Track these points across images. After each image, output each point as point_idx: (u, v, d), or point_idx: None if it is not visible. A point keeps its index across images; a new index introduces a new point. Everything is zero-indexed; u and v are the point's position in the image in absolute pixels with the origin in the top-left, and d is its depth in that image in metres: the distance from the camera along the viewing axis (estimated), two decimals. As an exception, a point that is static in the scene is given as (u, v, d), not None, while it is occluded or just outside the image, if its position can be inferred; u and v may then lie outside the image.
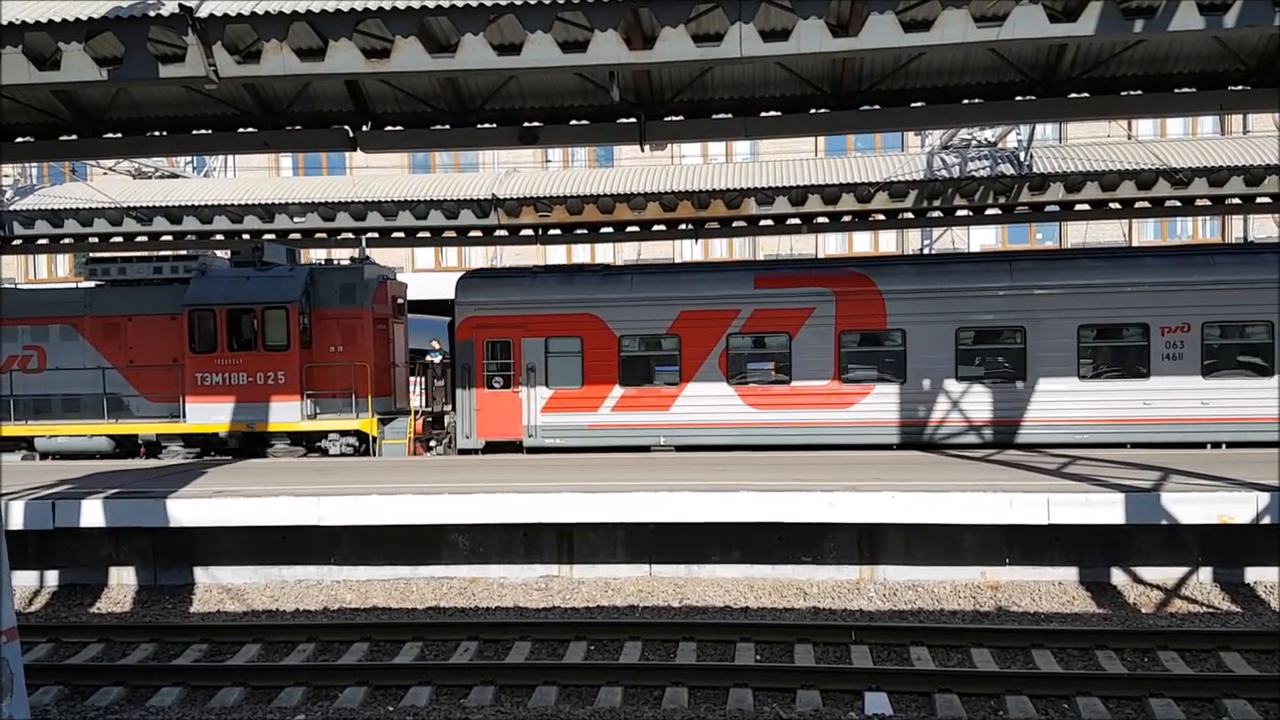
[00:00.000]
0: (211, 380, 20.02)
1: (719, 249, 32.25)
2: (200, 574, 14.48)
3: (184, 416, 20.20)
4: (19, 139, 14.19)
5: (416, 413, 21.13)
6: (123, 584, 14.55)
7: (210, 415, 20.05)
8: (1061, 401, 18.52)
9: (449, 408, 20.95)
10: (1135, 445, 18.15)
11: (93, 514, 13.90)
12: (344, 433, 20.23)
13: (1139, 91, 13.22)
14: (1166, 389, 18.23)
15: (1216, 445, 18.16)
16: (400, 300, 22.01)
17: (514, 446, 19.98)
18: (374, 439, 20.03)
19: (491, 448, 20.00)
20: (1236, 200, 20.47)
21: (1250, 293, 18.01)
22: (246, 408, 19.96)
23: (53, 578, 14.66)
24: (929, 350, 18.83)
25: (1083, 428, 18.47)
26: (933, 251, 29.58)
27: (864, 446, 18.86)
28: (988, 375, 18.88)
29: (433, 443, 20.93)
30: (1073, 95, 13.21)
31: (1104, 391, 18.46)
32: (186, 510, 13.87)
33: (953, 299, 18.79)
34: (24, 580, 14.42)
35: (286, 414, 19.97)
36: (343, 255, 30.93)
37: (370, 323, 20.57)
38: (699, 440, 19.46)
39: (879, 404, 19.03)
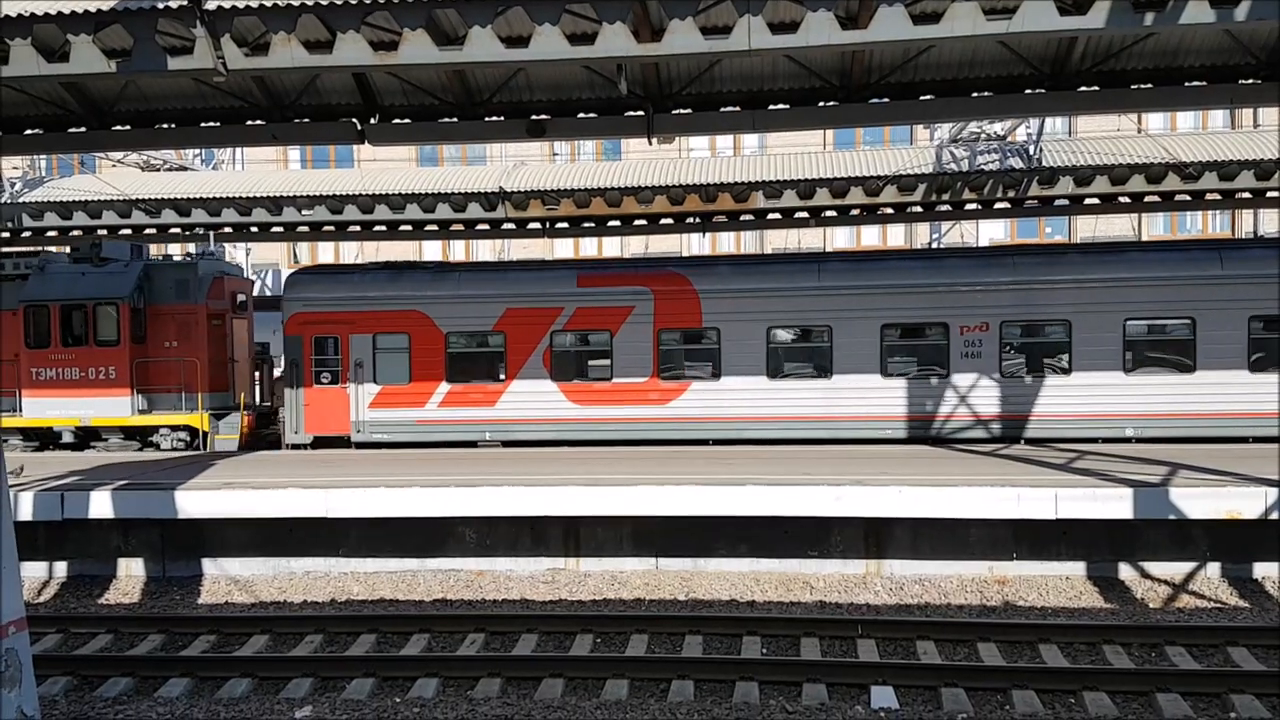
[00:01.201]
0: (46, 375, 20.40)
1: (726, 243, 32.22)
2: (209, 565, 14.54)
3: (20, 410, 20.55)
4: (28, 131, 14.21)
5: (248, 408, 21.32)
6: (131, 575, 14.61)
7: (45, 410, 20.41)
8: (867, 398, 19.04)
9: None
10: (936, 440, 18.81)
11: (101, 505, 13.96)
12: (174, 427, 20.56)
13: (1149, 85, 13.15)
14: (966, 386, 18.85)
15: (1017, 440, 18.72)
16: (241, 296, 22.31)
17: (342, 442, 20.30)
18: (204, 434, 20.32)
19: (320, 443, 20.31)
20: (1246, 194, 20.38)
21: (1048, 293, 18.60)
22: (80, 402, 20.28)
23: (61, 569, 14.73)
24: (742, 348, 19.34)
25: (886, 423, 19.04)
26: (941, 245, 29.51)
27: (680, 442, 19.29)
28: (799, 373, 19.39)
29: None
30: (1083, 89, 13.14)
31: (902, 388, 19.03)
32: (195, 502, 13.92)
33: (764, 298, 19.30)
34: (33, 571, 14.49)
35: (118, 409, 20.25)
36: (349, 250, 30.99)
37: (204, 318, 20.91)
38: (524, 436, 19.87)
39: (696, 400, 19.49)
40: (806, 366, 19.36)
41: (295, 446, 20.26)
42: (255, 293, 23.96)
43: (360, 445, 20.10)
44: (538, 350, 19.74)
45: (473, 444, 19.88)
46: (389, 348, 20.05)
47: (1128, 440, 18.32)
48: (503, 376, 19.88)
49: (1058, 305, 18.61)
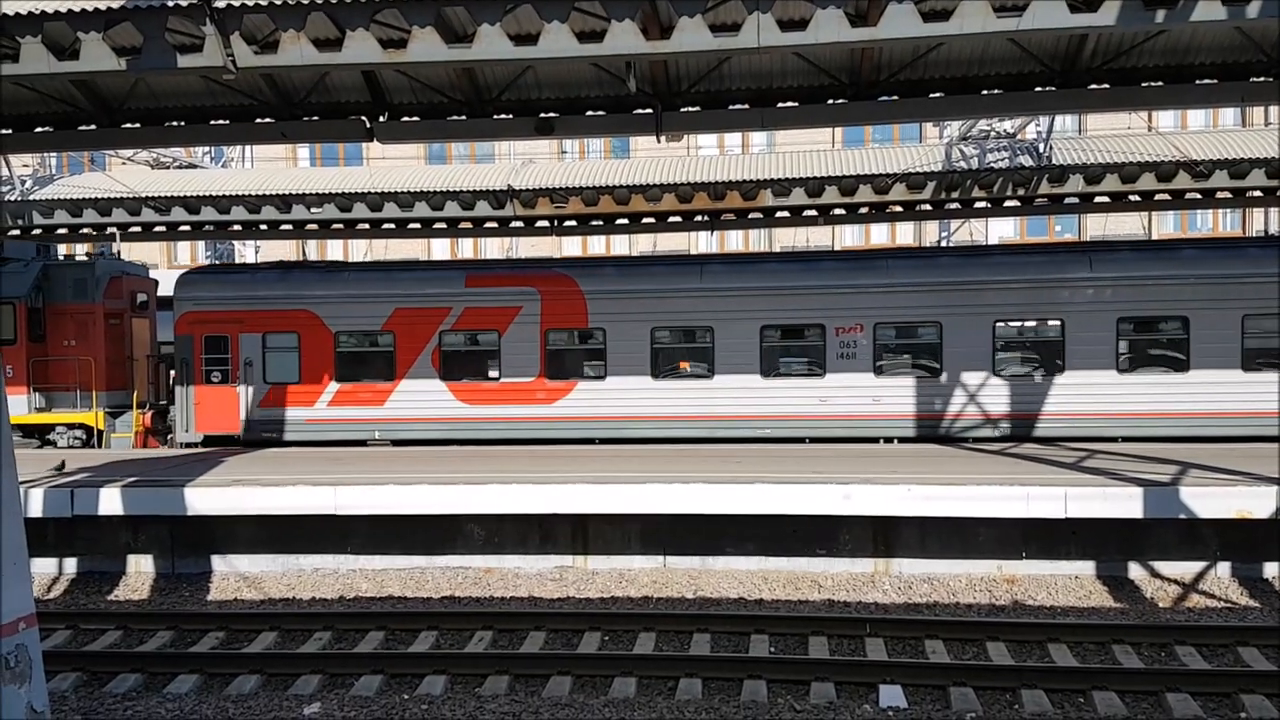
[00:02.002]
0: None
1: (734, 241, 32.19)
2: (218, 562, 14.57)
3: None
4: (38, 129, 14.26)
5: (145, 406, 21.43)
6: (141, 572, 14.65)
7: None
8: (746, 398, 19.20)
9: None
10: (814, 440, 18.92)
11: (111, 502, 14.00)
12: (70, 425, 20.70)
13: (1160, 83, 13.10)
14: (841, 386, 18.95)
15: (889, 440, 18.88)
16: (142, 295, 22.40)
17: (232, 440, 20.47)
18: (100, 432, 20.49)
19: (210, 441, 20.44)
20: (1258, 193, 20.30)
21: (920, 295, 18.76)
22: None
23: (71, 565, 14.78)
24: (627, 349, 19.50)
25: (765, 423, 19.19)
26: (951, 244, 29.45)
27: (566, 441, 19.44)
28: (683, 373, 19.54)
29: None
30: (1093, 86, 13.10)
31: (785, 389, 19.17)
32: (204, 499, 13.96)
33: (648, 299, 19.45)
34: (43, 567, 14.54)
35: (15, 407, 20.25)
36: (359, 245, 31.01)
37: (102, 317, 21.00)
38: (413, 435, 20.01)
39: (582, 400, 19.67)
40: (690, 367, 19.58)
41: (188, 445, 20.45)
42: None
43: (248, 444, 20.32)
44: (426, 350, 19.90)
45: (362, 443, 20.10)
46: (278, 347, 20.25)
47: (995, 439, 18.61)
48: (392, 376, 20.07)
49: (929, 307, 18.81)
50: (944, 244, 29.60)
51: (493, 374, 19.84)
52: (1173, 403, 18.23)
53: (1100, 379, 18.39)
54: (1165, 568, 13.20)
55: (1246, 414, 18.09)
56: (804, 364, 19.22)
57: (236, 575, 14.35)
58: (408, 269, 21.33)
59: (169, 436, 21.33)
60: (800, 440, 18.95)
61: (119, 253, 22.99)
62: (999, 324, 18.66)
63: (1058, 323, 18.53)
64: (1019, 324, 18.80)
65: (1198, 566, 13.13)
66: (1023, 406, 18.62)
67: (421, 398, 19.95)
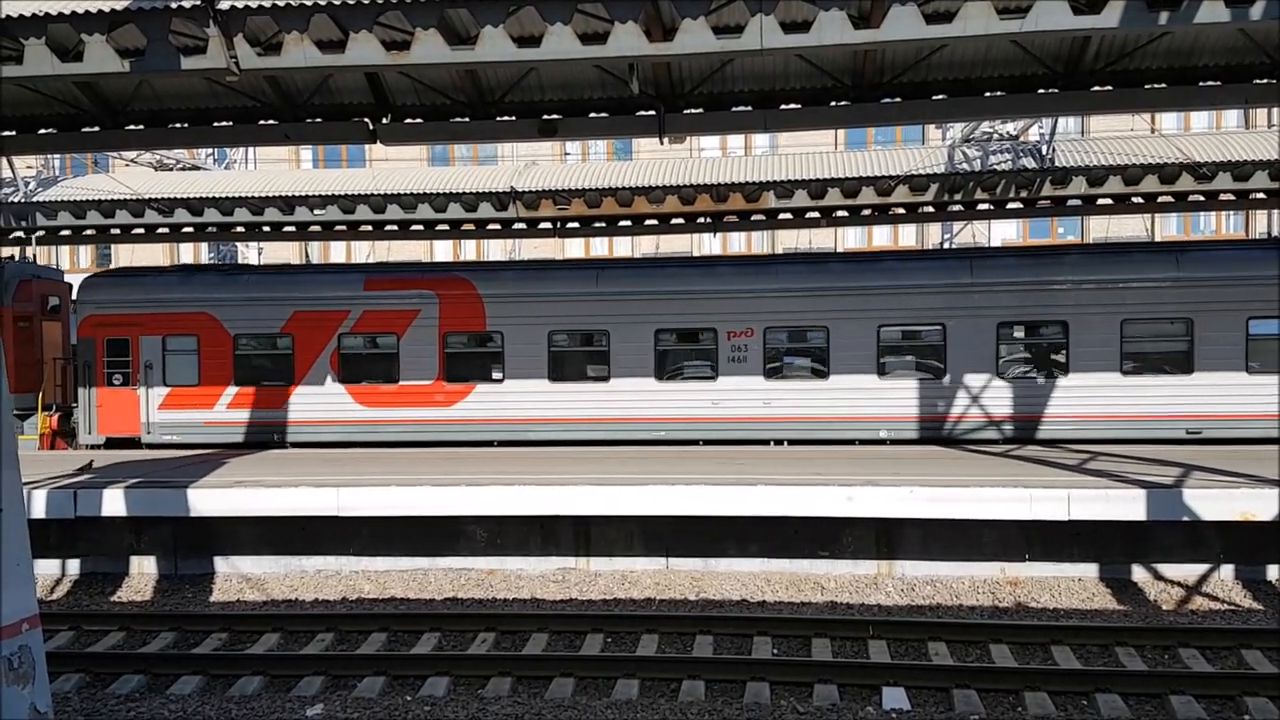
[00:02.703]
0: None
1: (737, 243, 32.19)
2: (220, 563, 14.57)
3: None
4: (42, 130, 14.28)
5: (52, 408, 21.56)
6: (143, 573, 14.65)
7: None
8: (641, 400, 19.39)
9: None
10: (707, 442, 19.04)
11: (114, 503, 14.01)
12: None
13: (1163, 85, 13.09)
14: (733, 389, 19.18)
15: (779, 442, 19.04)
16: (54, 299, 22.49)
17: (134, 443, 20.58)
18: None
19: (113, 444, 20.53)
20: (1261, 195, 20.27)
21: (809, 299, 19.01)
22: None
23: (74, 566, 14.79)
24: (525, 351, 19.72)
25: (660, 425, 19.41)
26: (953, 245, 29.43)
27: (464, 444, 19.61)
28: (580, 376, 19.74)
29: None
30: (1096, 88, 13.10)
31: (679, 392, 19.38)
32: (207, 500, 13.96)
33: (545, 303, 19.68)
34: (46, 569, 14.54)
35: None
36: (361, 247, 31.03)
37: (10, 320, 21.09)
38: (312, 437, 20.18)
39: (480, 403, 19.81)
40: (587, 370, 19.75)
41: (92, 447, 20.56)
42: None
43: (150, 446, 20.44)
44: (325, 352, 20.06)
45: (262, 446, 20.21)
46: (178, 349, 20.42)
47: (881, 442, 18.82)
48: (291, 379, 20.21)
49: (817, 311, 19.03)
50: (947, 245, 29.60)
51: (392, 377, 20.03)
52: (1054, 405, 18.53)
53: (982, 382, 18.68)
54: (1168, 570, 13.18)
55: (1127, 417, 18.34)
56: (697, 367, 19.43)
57: (239, 576, 14.35)
58: (307, 272, 21.70)
59: (75, 439, 21.48)
60: (694, 442, 19.17)
61: (34, 256, 23.11)
62: (884, 328, 18.93)
63: (939, 327, 18.78)
64: (903, 328, 19.04)
65: (1201, 569, 13.11)
66: (910, 409, 18.89)
67: (320, 400, 20.14)
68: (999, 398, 18.69)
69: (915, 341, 19.04)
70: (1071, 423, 18.50)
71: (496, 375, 19.80)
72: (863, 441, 18.86)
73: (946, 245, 29.92)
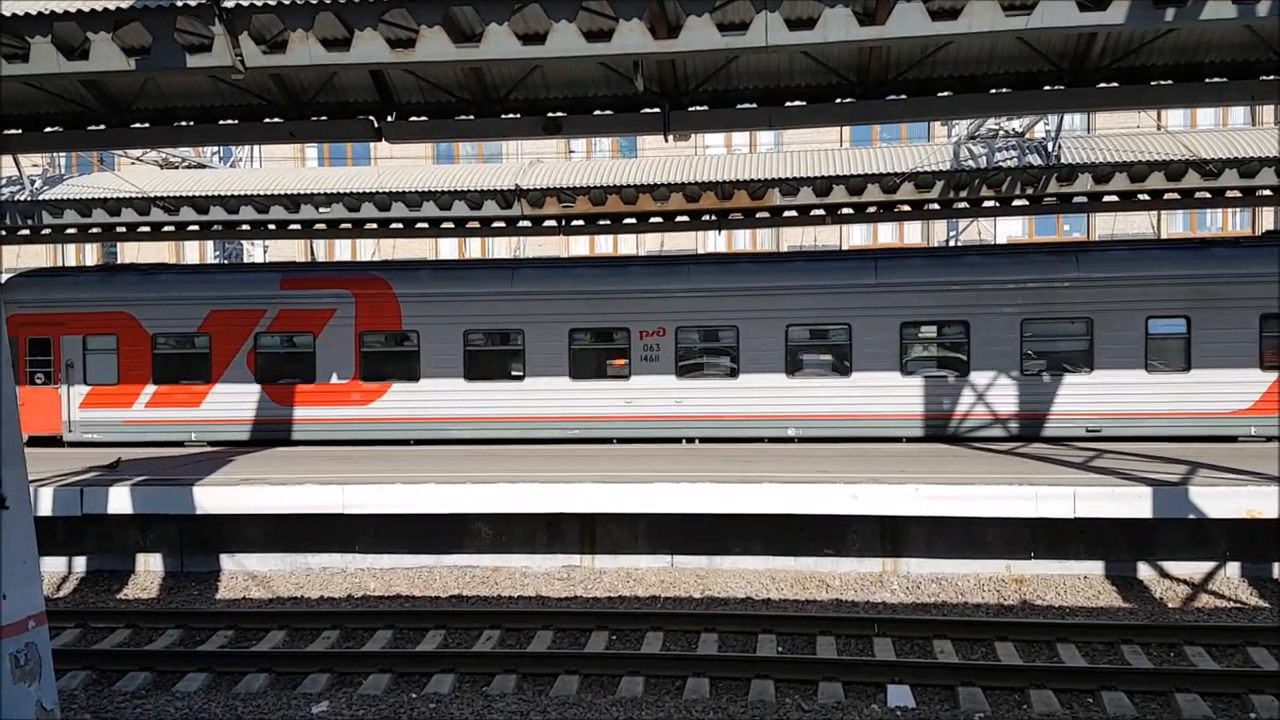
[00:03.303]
0: None
1: (742, 240, 32.16)
2: (226, 561, 14.61)
3: None
4: (48, 128, 14.30)
5: None
6: (150, 570, 14.70)
7: None
8: (556, 400, 19.61)
9: None
10: (620, 440, 19.26)
11: (120, 501, 14.03)
12: None
13: (1169, 81, 13.04)
14: (645, 389, 19.34)
15: (690, 441, 19.24)
16: None
17: (56, 441, 20.77)
18: None
19: (35, 442, 20.64)
20: (1267, 192, 20.19)
21: (719, 299, 19.23)
22: None
23: (80, 564, 14.82)
24: (441, 351, 19.84)
25: (574, 424, 19.60)
26: (958, 243, 29.37)
27: (382, 442, 19.73)
28: (495, 375, 19.87)
29: None
30: (1102, 85, 13.05)
31: (593, 390, 19.57)
32: (213, 498, 13.99)
33: (461, 303, 19.86)
34: (52, 566, 14.59)
35: None
36: (366, 245, 31.06)
37: None
38: (229, 436, 20.32)
39: (397, 402, 19.94)
40: (502, 369, 19.85)
41: None
42: None
43: (71, 445, 20.61)
44: (242, 351, 20.21)
45: (179, 444, 20.33)
46: (98, 349, 20.61)
47: (790, 440, 18.98)
48: (208, 378, 20.34)
49: (727, 311, 19.22)
50: (952, 243, 29.54)
51: (308, 376, 20.13)
52: (959, 404, 18.75)
53: (886, 381, 18.90)
54: (1174, 568, 13.17)
55: (1027, 416, 18.58)
56: (611, 366, 19.53)
57: (245, 574, 14.39)
58: (225, 271, 21.78)
59: None
60: (608, 441, 19.31)
61: None
62: (792, 328, 19.11)
63: (846, 327, 19.01)
64: (811, 328, 19.23)
65: (1207, 566, 13.09)
66: (818, 408, 19.05)
67: (237, 399, 20.27)
68: (903, 396, 18.92)
69: (823, 341, 19.29)
70: (975, 420, 18.72)
71: (413, 374, 19.93)
72: (772, 440, 19.08)
73: (952, 242, 29.87)
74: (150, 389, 20.51)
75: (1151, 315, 18.36)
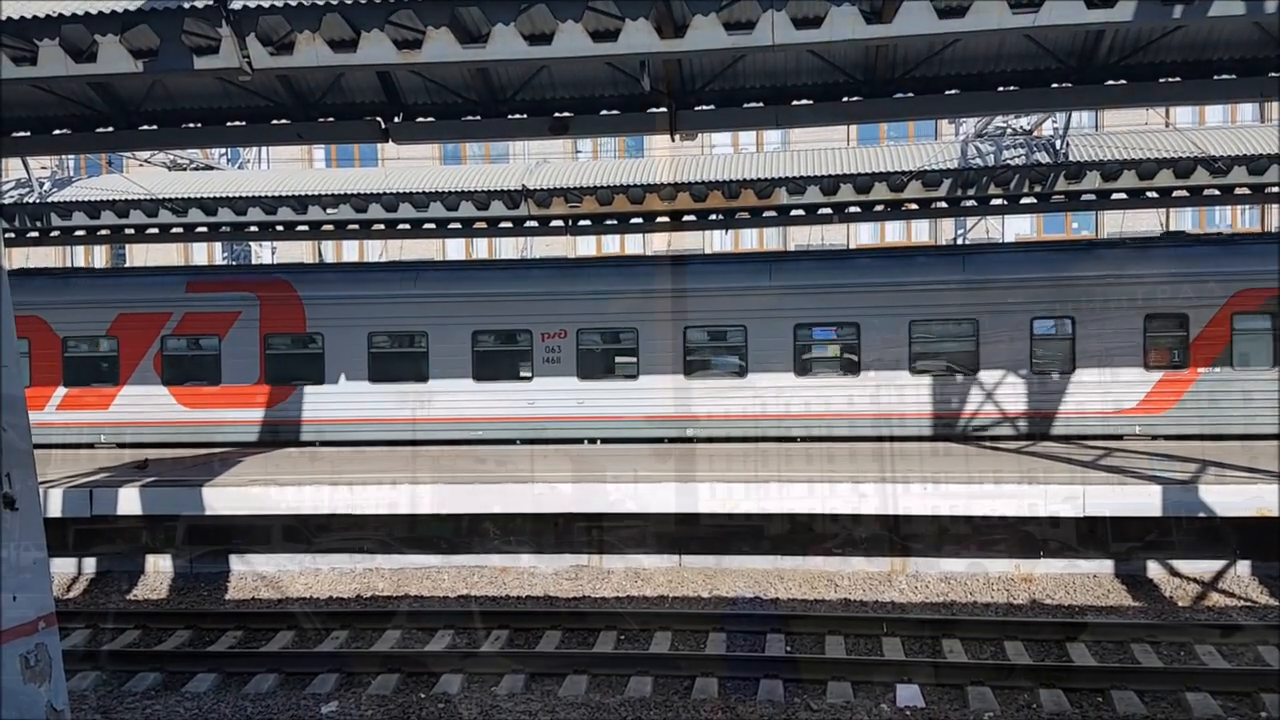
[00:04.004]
0: None
1: (749, 240, 32.15)
2: (235, 562, 14.63)
3: None
4: (56, 131, 14.34)
5: None
6: (159, 571, 14.73)
7: None
8: (460, 400, 19.61)
9: None
10: (524, 441, 19.26)
11: (130, 502, 14.06)
12: None
13: (1177, 79, 12.99)
14: (548, 390, 19.40)
15: (593, 441, 19.23)
16: None
17: None
18: None
19: None
20: (1276, 188, 20.10)
21: (618, 301, 19.31)
22: None
23: (90, 565, 14.86)
24: (346, 353, 19.83)
25: (477, 425, 19.56)
26: (966, 241, 29.30)
27: (288, 444, 19.74)
28: (400, 377, 19.83)
29: None
30: (1110, 82, 13.00)
31: (496, 392, 19.56)
32: (222, 499, 14.00)
33: (365, 305, 19.85)
34: (62, 567, 14.62)
35: None
36: (374, 246, 31.10)
37: None
38: (137, 438, 20.25)
39: (302, 404, 19.99)
40: (406, 371, 19.84)
41: None
42: None
43: None
44: (149, 354, 20.21)
45: (89, 446, 20.32)
46: None
47: (690, 440, 18.95)
48: (116, 380, 20.34)
49: (626, 314, 19.30)
50: (961, 241, 29.49)
51: (214, 378, 20.14)
52: (851, 404, 18.79)
53: (781, 382, 18.94)
54: (1184, 566, 13.12)
55: (914, 415, 18.64)
56: (514, 368, 19.60)
57: (254, 574, 14.41)
58: (132, 275, 21.83)
59: None
60: (511, 442, 19.32)
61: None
62: (690, 330, 19.19)
63: (741, 328, 19.09)
64: (709, 329, 19.31)
65: (1217, 565, 13.04)
66: (715, 408, 19.09)
67: (144, 401, 20.26)
68: (797, 397, 18.97)
69: (720, 343, 19.37)
70: (868, 421, 18.74)
71: (318, 377, 19.94)
72: (671, 440, 19.09)
73: (960, 241, 29.81)
74: (60, 391, 20.58)
75: (1036, 316, 18.47)
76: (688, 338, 19.20)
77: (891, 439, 18.38)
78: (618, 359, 19.53)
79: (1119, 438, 17.87)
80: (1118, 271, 18.40)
